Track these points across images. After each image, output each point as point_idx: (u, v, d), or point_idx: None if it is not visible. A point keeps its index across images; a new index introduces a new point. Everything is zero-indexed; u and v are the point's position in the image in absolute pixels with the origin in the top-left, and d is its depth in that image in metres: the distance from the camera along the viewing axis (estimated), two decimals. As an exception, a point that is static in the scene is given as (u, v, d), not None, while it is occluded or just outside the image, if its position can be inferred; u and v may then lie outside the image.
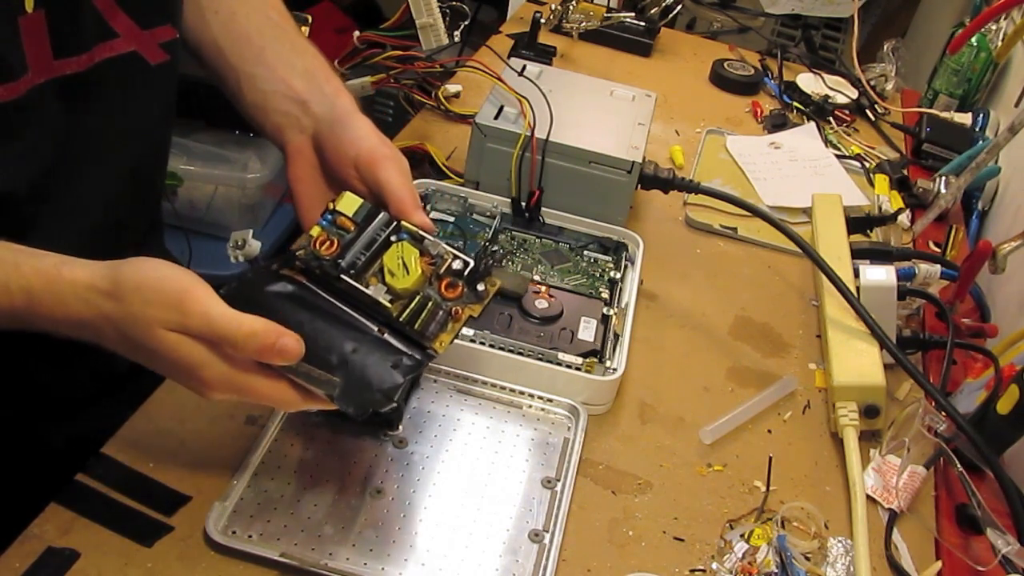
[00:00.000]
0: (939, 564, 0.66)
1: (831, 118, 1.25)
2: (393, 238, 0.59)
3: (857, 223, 0.98)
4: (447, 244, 0.59)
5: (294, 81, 0.69)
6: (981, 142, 1.15)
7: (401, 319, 0.56)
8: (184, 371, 0.52)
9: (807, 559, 0.65)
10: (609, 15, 1.36)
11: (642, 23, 1.36)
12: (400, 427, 0.67)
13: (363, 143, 0.64)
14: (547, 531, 0.62)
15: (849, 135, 1.23)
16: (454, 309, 0.58)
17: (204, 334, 0.51)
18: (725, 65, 1.32)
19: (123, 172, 0.68)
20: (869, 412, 0.74)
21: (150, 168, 0.74)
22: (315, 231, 0.58)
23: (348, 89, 0.92)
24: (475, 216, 0.89)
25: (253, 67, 0.70)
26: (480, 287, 0.59)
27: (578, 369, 0.72)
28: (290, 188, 0.68)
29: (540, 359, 0.73)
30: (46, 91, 0.58)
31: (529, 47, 1.23)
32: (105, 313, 0.51)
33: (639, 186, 0.90)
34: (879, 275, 0.81)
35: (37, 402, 0.71)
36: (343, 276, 0.57)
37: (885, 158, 1.16)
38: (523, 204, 0.88)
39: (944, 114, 1.28)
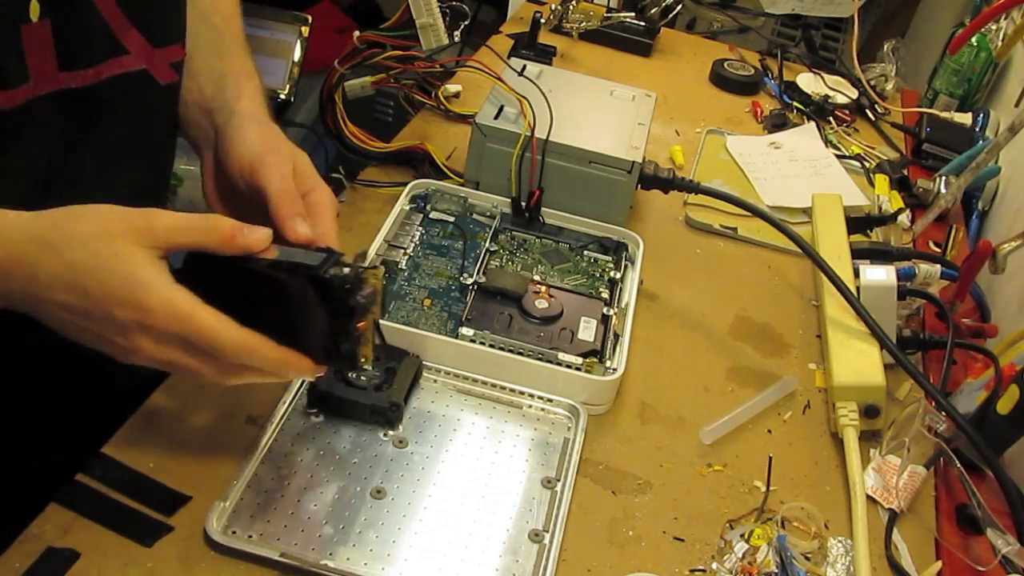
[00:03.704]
0: (939, 564, 0.66)
1: (831, 118, 1.25)
2: None
3: (857, 223, 0.98)
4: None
5: (206, 88, 0.66)
6: (981, 142, 1.15)
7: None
8: (129, 300, 0.49)
9: (807, 559, 0.65)
10: (609, 15, 1.36)
11: (642, 23, 1.37)
12: (400, 427, 0.67)
13: (245, 153, 0.61)
14: (547, 531, 0.62)
15: (849, 135, 1.23)
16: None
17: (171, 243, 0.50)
18: (725, 65, 1.32)
19: (124, 191, 0.65)
20: (869, 412, 0.74)
21: (152, 187, 0.72)
22: None
23: (348, 90, 0.93)
24: (475, 216, 0.89)
25: (183, 79, 0.67)
26: (363, 294, 0.54)
27: (578, 369, 0.72)
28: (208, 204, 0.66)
29: (540, 359, 0.73)
30: (49, 103, 0.57)
31: (529, 47, 1.23)
32: (39, 236, 0.48)
33: (639, 186, 0.90)
34: (879, 275, 0.81)
35: (33, 428, 0.70)
36: None
37: (885, 158, 1.16)
38: (523, 204, 0.88)
39: (944, 114, 1.28)
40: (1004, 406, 0.71)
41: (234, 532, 0.58)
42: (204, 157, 0.66)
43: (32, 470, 0.64)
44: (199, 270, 0.54)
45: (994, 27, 1.28)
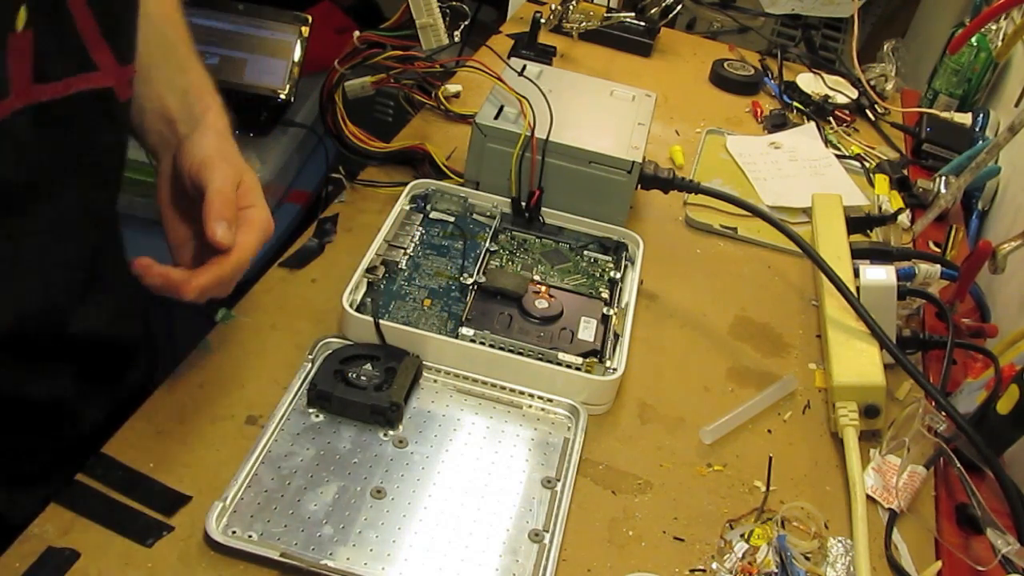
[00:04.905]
0: (939, 564, 0.66)
1: (831, 118, 1.25)
2: None
3: (857, 223, 0.98)
4: None
5: (168, 100, 0.66)
6: (981, 142, 1.15)
7: None
8: None
9: (807, 559, 0.65)
10: (609, 15, 1.36)
11: (642, 23, 1.37)
12: (400, 427, 0.67)
13: (198, 153, 0.62)
14: (547, 531, 0.62)
15: (849, 135, 1.23)
16: None
17: None
18: (725, 65, 1.32)
19: (75, 209, 0.63)
20: (869, 412, 0.74)
21: (101, 207, 0.68)
22: None
23: (348, 90, 0.93)
24: (475, 216, 0.89)
25: (138, 86, 0.66)
26: None
27: (578, 369, 0.72)
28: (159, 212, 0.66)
29: (540, 359, 0.73)
30: (24, 116, 0.54)
31: (529, 47, 1.23)
32: None
33: (639, 186, 0.90)
34: (879, 275, 0.81)
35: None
36: None
37: (885, 158, 1.16)
38: (523, 204, 0.88)
39: (944, 114, 1.28)
40: (1004, 406, 0.71)
41: (234, 532, 0.58)
42: (162, 162, 0.66)
43: (32, 469, 0.64)
44: None
45: (994, 27, 1.28)
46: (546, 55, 1.23)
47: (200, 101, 0.67)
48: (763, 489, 0.70)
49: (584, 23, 1.33)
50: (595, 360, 0.74)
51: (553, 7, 1.33)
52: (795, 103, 1.26)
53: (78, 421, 0.68)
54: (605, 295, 0.82)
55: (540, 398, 0.72)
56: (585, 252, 0.87)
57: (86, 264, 0.66)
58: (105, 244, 0.69)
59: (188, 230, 0.64)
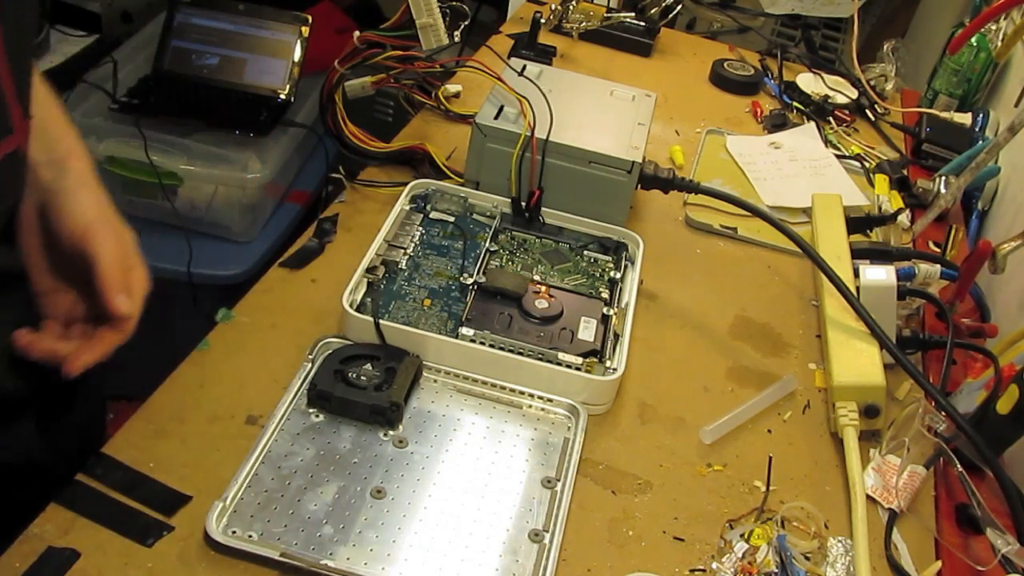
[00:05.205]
0: (939, 564, 0.66)
1: (831, 118, 1.25)
2: None
3: (857, 223, 0.98)
4: None
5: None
6: (981, 142, 1.15)
7: None
8: None
9: (807, 559, 0.65)
10: (609, 15, 1.36)
11: (642, 23, 1.37)
12: (400, 427, 0.67)
13: (79, 219, 0.59)
14: (547, 531, 0.62)
15: (849, 135, 1.23)
16: None
17: None
18: (725, 65, 1.32)
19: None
20: (869, 412, 0.74)
21: (17, 264, 0.64)
22: None
23: (348, 90, 0.93)
24: (475, 216, 0.89)
25: None
26: None
27: (578, 369, 0.72)
28: (23, 256, 0.62)
29: (540, 359, 0.73)
30: None
31: (529, 47, 1.23)
32: None
33: (639, 186, 0.90)
34: (879, 275, 0.81)
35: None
36: None
37: (885, 158, 1.17)
38: (523, 204, 0.88)
39: (944, 114, 1.28)
40: (1004, 406, 0.71)
41: (234, 532, 0.58)
42: (24, 204, 0.61)
43: (33, 470, 0.64)
44: None
45: (994, 27, 1.28)
46: (546, 55, 1.23)
47: (60, 142, 0.61)
48: (763, 489, 0.70)
49: (584, 23, 1.33)
50: (595, 360, 0.74)
51: (553, 7, 1.33)
52: (795, 103, 1.26)
53: (49, 463, 0.66)
54: (605, 295, 0.82)
55: (540, 398, 0.72)
56: (585, 252, 0.87)
57: (11, 327, 0.62)
58: (27, 299, 0.64)
59: (57, 283, 0.61)
